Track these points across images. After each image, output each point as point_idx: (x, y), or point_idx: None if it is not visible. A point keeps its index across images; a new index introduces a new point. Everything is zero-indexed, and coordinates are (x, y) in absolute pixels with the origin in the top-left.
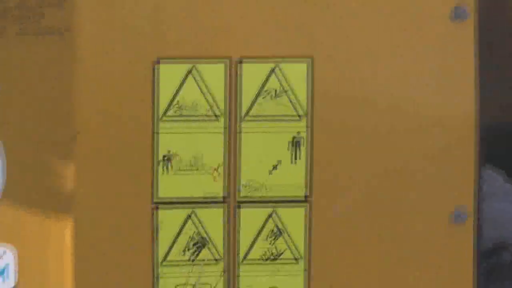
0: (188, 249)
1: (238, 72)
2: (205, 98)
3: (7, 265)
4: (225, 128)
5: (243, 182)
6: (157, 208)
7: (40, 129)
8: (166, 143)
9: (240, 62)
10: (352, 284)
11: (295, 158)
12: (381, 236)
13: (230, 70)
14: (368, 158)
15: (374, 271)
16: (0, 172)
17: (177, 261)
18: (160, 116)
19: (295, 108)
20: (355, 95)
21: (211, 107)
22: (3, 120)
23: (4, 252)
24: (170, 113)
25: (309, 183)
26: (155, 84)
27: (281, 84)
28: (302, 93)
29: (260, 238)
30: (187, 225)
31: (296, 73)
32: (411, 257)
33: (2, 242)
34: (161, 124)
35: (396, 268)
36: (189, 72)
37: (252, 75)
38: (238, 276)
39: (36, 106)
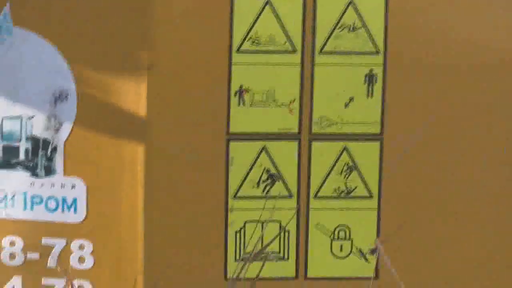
0: (260, 184)
1: (314, 5)
2: (282, 31)
3: (76, 198)
4: (300, 62)
5: (316, 117)
6: (230, 141)
7: (115, 58)
8: (240, 76)
9: None
10: (421, 221)
11: (370, 94)
12: (453, 173)
13: (305, 2)
14: (443, 95)
15: (444, 208)
16: (73, 102)
17: (249, 195)
18: (235, 49)
19: (371, 43)
20: (431, 30)
21: (287, 40)
22: (78, 47)
23: (74, 186)
24: (245, 46)
25: (383, 119)
26: (231, 16)
27: (358, 18)
28: (378, 28)
29: (332, 173)
30: (259, 159)
31: (373, 7)
32: (481, 196)
33: (73, 175)
34: (236, 58)
35: (465, 204)
36: (266, 3)
37: (329, 7)
38: (309, 212)
39: (113, 34)
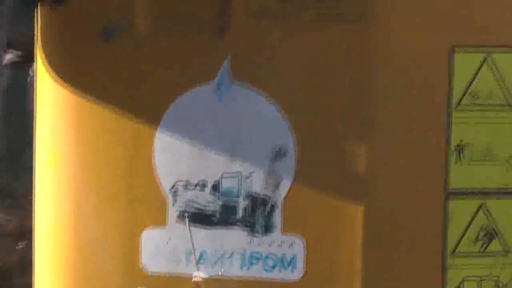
0: (478, 240)
1: None
2: (500, 87)
3: (295, 255)
4: None
5: None
6: (448, 198)
7: (335, 114)
8: (460, 132)
9: None
10: None
11: None
12: None
13: None
14: None
15: None
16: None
17: (467, 252)
18: (454, 105)
19: None
20: None
21: (505, 96)
22: (301, 106)
23: (293, 244)
24: (464, 101)
25: None
26: (451, 72)
27: None
28: None
29: None
30: (478, 216)
31: None
32: None
33: (291, 232)
34: (455, 113)
35: None
36: (485, 60)
37: None
38: None
39: (332, 92)
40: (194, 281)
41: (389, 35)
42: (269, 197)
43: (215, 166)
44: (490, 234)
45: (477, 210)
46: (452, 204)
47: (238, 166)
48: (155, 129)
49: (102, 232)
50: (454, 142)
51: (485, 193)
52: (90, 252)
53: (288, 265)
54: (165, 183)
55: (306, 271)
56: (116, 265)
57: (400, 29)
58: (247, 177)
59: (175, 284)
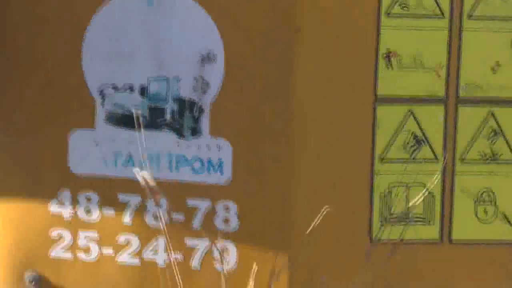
0: (406, 147)
1: None
2: None
3: (222, 159)
4: (448, 26)
5: (463, 81)
6: (377, 104)
7: (263, 20)
8: (389, 40)
9: None
10: None
11: None
12: None
13: None
14: None
15: None
16: None
17: (395, 158)
18: (385, 13)
19: None
20: None
21: (435, 4)
22: (230, 12)
23: (220, 147)
24: (395, 10)
25: None
26: None
27: None
28: None
29: (478, 138)
30: (406, 123)
31: None
32: None
33: (219, 136)
34: (385, 21)
35: None
36: None
37: None
38: (454, 175)
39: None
40: (142, 177)
41: None
42: (197, 101)
43: (143, 70)
44: (418, 141)
45: (406, 117)
46: (381, 111)
47: (166, 70)
48: (84, 31)
49: (30, 135)
50: (383, 50)
51: (413, 100)
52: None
53: (215, 169)
54: (92, 86)
55: (233, 175)
56: (44, 166)
57: None
58: (175, 81)
59: (103, 185)
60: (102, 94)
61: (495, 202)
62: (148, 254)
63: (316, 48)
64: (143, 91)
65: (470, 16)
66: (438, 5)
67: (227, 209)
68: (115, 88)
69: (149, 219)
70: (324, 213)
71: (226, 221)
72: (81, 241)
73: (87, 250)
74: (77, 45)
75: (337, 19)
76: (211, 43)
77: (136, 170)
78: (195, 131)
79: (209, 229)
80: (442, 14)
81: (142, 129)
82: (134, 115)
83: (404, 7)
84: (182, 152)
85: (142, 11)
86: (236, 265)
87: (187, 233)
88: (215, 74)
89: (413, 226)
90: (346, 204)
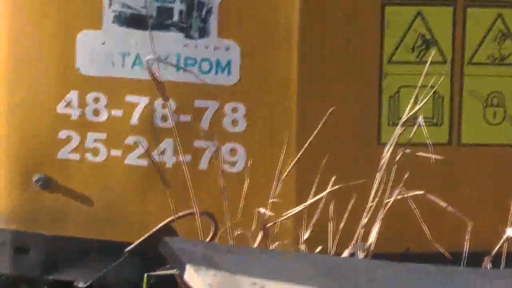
0: (415, 49)
1: None
2: None
3: (230, 60)
4: None
5: None
6: (385, 4)
7: None
8: None
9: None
10: None
11: None
12: None
13: None
14: None
15: None
16: None
17: (404, 60)
18: None
19: None
20: None
21: None
22: None
23: (228, 48)
24: None
25: None
26: None
27: None
28: None
29: (486, 40)
30: (415, 24)
31: None
32: None
33: (227, 37)
34: None
35: None
36: None
37: None
38: (463, 77)
39: None
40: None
41: None
42: (205, 1)
43: None
44: (427, 43)
45: (415, 18)
46: (389, 11)
47: None
48: None
49: (38, 41)
50: None
51: (422, 0)
52: (27, 61)
53: (223, 69)
54: None
55: (241, 77)
56: (52, 68)
57: None
58: None
59: (111, 86)
60: None
61: (504, 105)
62: (156, 155)
63: None
64: None
65: None
66: None
67: (235, 110)
68: None
69: (157, 120)
70: (330, 112)
71: (234, 122)
72: (89, 143)
73: (95, 151)
74: None
75: None
76: None
77: (147, 59)
78: (203, 32)
79: (217, 130)
80: None
81: (150, 30)
82: (146, 14)
83: None
84: (190, 53)
85: None
86: (244, 165)
87: (195, 134)
88: None
89: (422, 129)
90: (355, 107)
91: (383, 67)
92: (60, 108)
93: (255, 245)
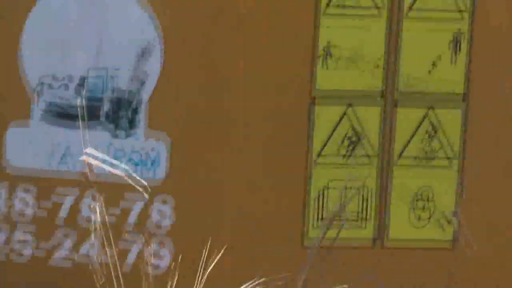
0: (343, 145)
1: None
2: None
3: (159, 154)
4: (387, 22)
5: (402, 78)
6: (314, 102)
7: (205, 12)
8: (327, 36)
9: None
10: (504, 185)
11: (455, 57)
12: None
13: None
14: None
15: None
16: None
17: (332, 155)
18: (322, 9)
19: (458, 3)
20: None
21: (373, 2)
22: (168, 4)
23: (158, 140)
24: (332, 5)
25: (467, 80)
26: None
27: None
28: None
29: (415, 136)
30: (343, 120)
31: None
32: None
33: (156, 129)
34: (323, 18)
35: None
36: None
37: None
38: (391, 174)
39: None
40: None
41: None
42: (135, 95)
43: (81, 62)
44: (356, 139)
45: (343, 115)
46: (318, 108)
47: (104, 63)
48: (23, 23)
49: None
50: (321, 46)
51: (351, 98)
52: None
53: (152, 164)
54: (31, 78)
55: (169, 170)
56: None
57: None
58: (113, 74)
59: (40, 180)
60: (40, 86)
61: (432, 201)
62: (83, 251)
63: (253, 45)
64: (82, 82)
65: (408, 13)
66: (376, 2)
67: (164, 203)
68: (55, 79)
69: (85, 214)
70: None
71: (163, 215)
72: (16, 236)
73: (22, 244)
74: (16, 38)
75: (274, 16)
76: (150, 37)
77: (79, 159)
78: (132, 125)
79: (145, 224)
80: (380, 8)
81: (80, 123)
82: (75, 110)
83: (342, 5)
84: (119, 149)
85: (81, 2)
86: (171, 260)
87: (123, 228)
88: (153, 67)
89: (348, 226)
90: (281, 203)
91: (311, 163)
92: None
93: None
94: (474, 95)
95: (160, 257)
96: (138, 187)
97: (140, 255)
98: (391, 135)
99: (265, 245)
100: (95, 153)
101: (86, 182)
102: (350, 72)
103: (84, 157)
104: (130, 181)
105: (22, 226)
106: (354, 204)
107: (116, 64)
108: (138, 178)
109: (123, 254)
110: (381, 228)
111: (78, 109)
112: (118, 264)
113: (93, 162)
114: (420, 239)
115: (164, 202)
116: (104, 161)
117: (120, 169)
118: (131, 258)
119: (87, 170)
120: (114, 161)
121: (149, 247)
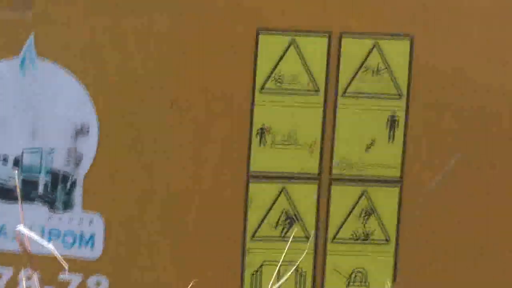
0: (279, 225)
1: (339, 46)
2: (305, 72)
3: (94, 234)
4: (323, 103)
5: (337, 159)
6: (249, 181)
7: (137, 92)
8: (263, 115)
9: (341, 36)
10: (441, 269)
11: (391, 138)
12: (474, 221)
13: (330, 44)
14: (466, 139)
15: (464, 256)
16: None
17: (267, 236)
18: (259, 88)
19: (394, 86)
20: (455, 75)
21: (310, 80)
22: (100, 81)
23: (92, 221)
24: (268, 85)
25: (403, 163)
26: (256, 55)
27: (382, 61)
28: (402, 72)
29: (350, 217)
30: (279, 200)
31: (397, 50)
32: (503, 240)
33: (91, 210)
34: (259, 96)
35: (485, 249)
36: (290, 44)
37: (354, 49)
38: (326, 255)
39: (137, 68)
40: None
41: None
42: (70, 174)
43: (17, 140)
44: (291, 219)
45: (278, 195)
46: (253, 188)
47: (39, 142)
48: None
49: None
50: (256, 126)
51: (286, 177)
52: None
53: (87, 242)
54: None
55: (105, 249)
56: None
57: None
58: (48, 153)
59: None
60: None
61: (367, 282)
62: None
63: (188, 122)
64: (17, 162)
65: (345, 93)
66: (313, 81)
67: (98, 284)
68: None
69: None
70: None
71: None
72: None
73: None
74: None
75: (209, 93)
76: (85, 116)
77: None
78: (68, 204)
79: None
80: (317, 90)
81: (15, 201)
82: (11, 185)
83: (279, 82)
84: (54, 226)
85: (15, 80)
86: None
87: None
88: (89, 147)
89: None
90: (217, 282)
91: (246, 243)
92: None
93: None
94: (409, 178)
95: None
96: (63, 263)
97: None
98: (326, 215)
99: None
100: (27, 231)
101: (21, 260)
102: (285, 153)
103: (16, 235)
104: (62, 262)
105: None
106: (290, 283)
107: (51, 144)
108: (72, 257)
109: None
110: None
111: (14, 189)
112: None
113: (26, 240)
114: None
115: (99, 283)
116: (37, 240)
117: (53, 248)
118: None
119: (20, 248)
120: (44, 242)
121: None
